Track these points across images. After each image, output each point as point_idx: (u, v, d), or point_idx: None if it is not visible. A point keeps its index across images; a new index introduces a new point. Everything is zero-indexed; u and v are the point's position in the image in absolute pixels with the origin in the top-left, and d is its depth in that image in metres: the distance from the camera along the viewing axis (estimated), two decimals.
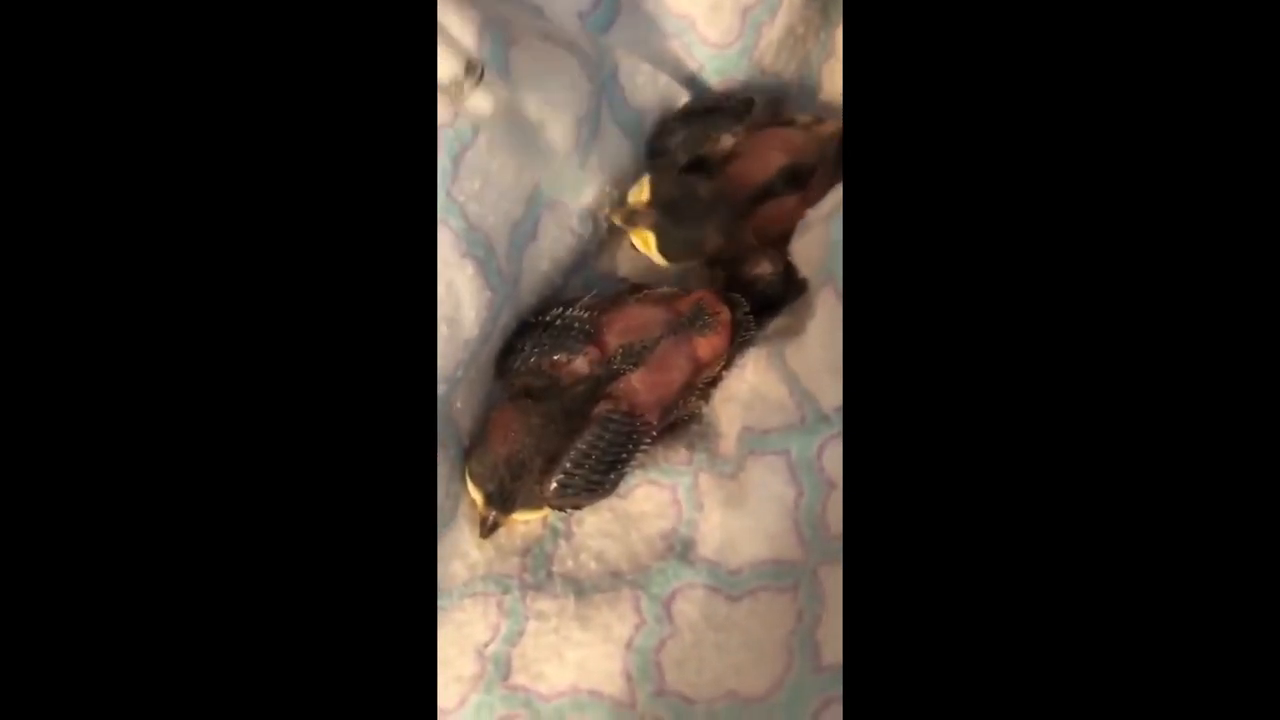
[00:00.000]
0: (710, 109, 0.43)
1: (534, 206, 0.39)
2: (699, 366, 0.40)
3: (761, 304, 0.42)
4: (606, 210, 0.41)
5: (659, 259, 0.41)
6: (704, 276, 0.43)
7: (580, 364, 0.39)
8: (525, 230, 0.39)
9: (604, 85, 0.41)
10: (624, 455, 0.39)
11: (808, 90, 0.46)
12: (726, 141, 0.42)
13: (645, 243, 0.41)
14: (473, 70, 0.35)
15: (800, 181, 0.42)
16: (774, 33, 0.43)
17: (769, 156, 0.42)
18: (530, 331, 0.40)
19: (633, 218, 0.41)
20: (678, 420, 0.41)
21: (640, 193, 0.41)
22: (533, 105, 0.38)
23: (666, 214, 0.40)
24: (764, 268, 0.42)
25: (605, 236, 0.43)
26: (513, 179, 0.38)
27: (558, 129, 0.39)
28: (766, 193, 0.42)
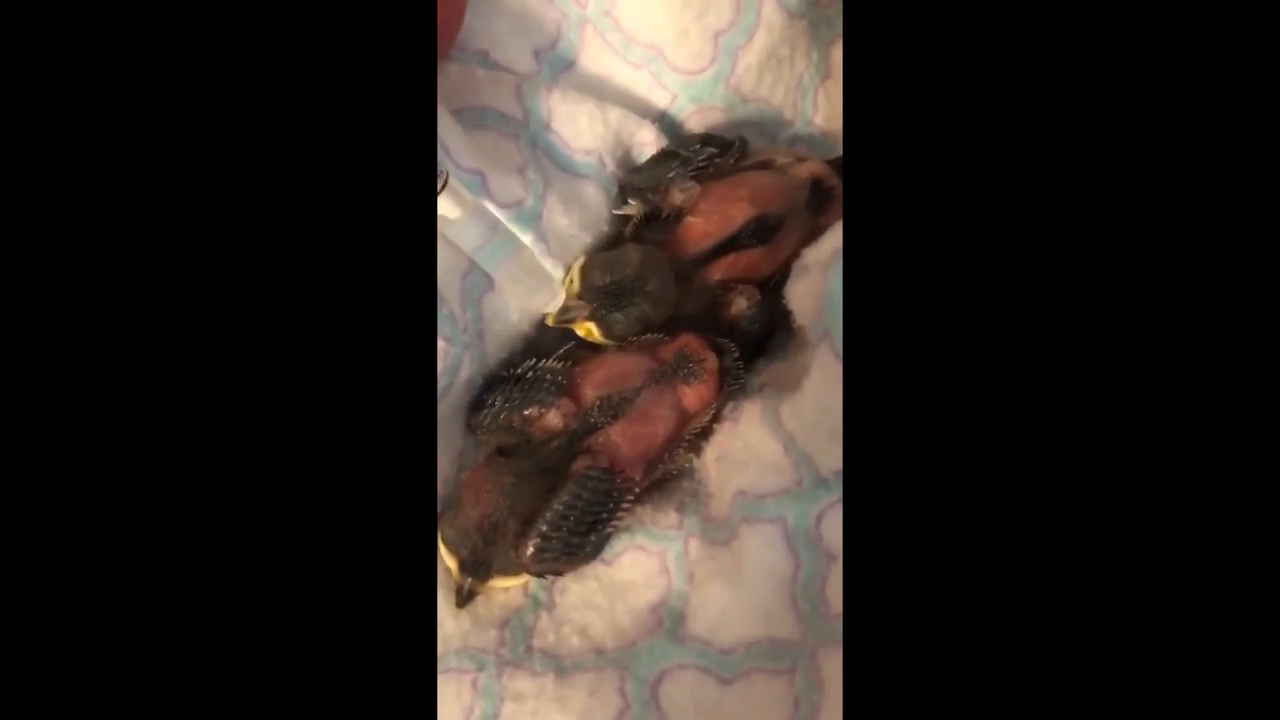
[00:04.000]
0: (669, 155, 0.40)
1: (486, 255, 0.36)
2: (685, 417, 0.37)
3: (747, 342, 0.38)
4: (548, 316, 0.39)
5: (613, 344, 0.38)
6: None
7: (553, 418, 0.36)
8: (476, 279, 0.36)
9: (534, 141, 0.38)
10: (604, 515, 0.35)
11: (803, 115, 0.42)
12: (676, 198, 0.39)
13: (590, 333, 0.38)
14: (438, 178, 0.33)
15: (765, 235, 0.39)
16: (752, 56, 0.40)
17: (733, 209, 0.39)
18: (500, 386, 0.36)
19: (566, 315, 0.38)
20: (666, 475, 0.37)
21: (571, 286, 0.38)
22: (466, 161, 0.35)
23: (600, 301, 0.37)
24: (739, 305, 0.38)
25: None
26: (454, 231, 0.35)
27: (500, 182, 0.36)
28: (728, 247, 0.39)
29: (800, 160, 0.41)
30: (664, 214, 0.39)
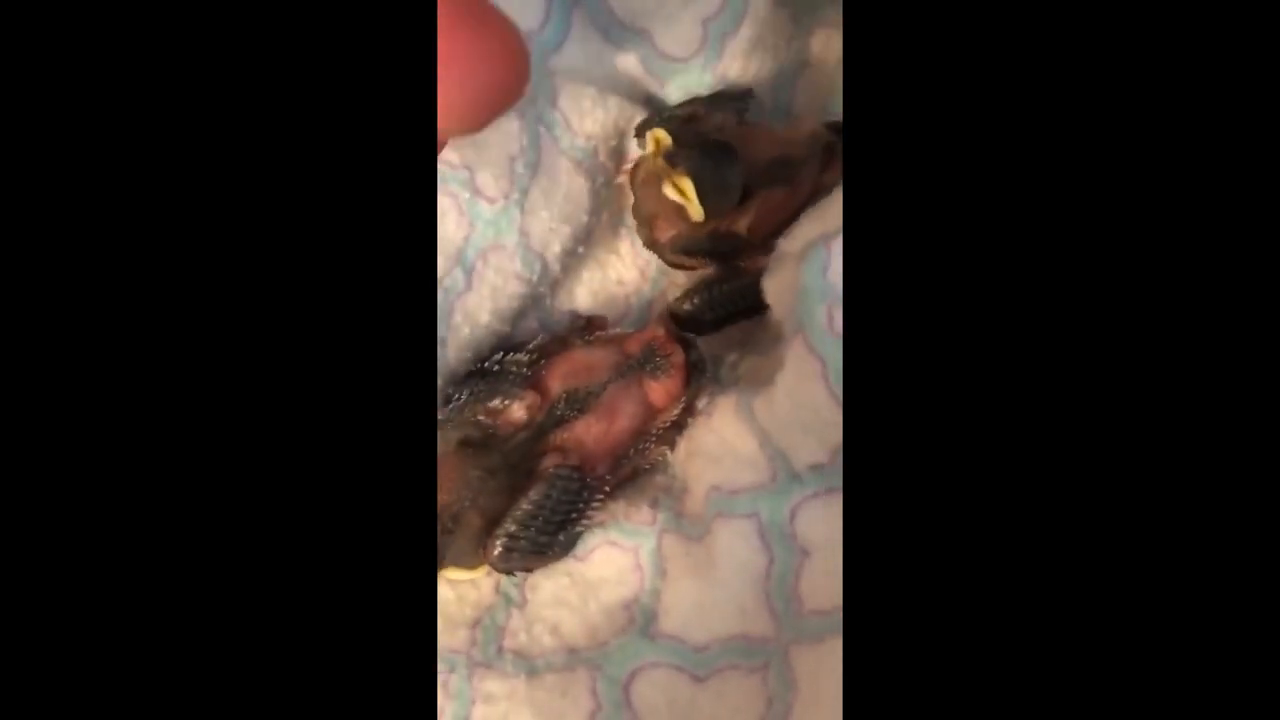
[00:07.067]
0: (694, 114, 0.39)
1: (463, 260, 0.35)
2: (652, 412, 0.36)
3: (750, 305, 0.38)
4: (637, 157, 0.37)
5: (696, 210, 0.36)
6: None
7: (518, 410, 0.35)
8: (452, 282, 0.36)
9: (539, 118, 0.37)
10: (574, 514, 0.35)
11: (780, 105, 0.41)
12: (718, 119, 0.38)
13: (684, 191, 0.36)
14: None
15: (789, 174, 0.38)
16: (740, 44, 0.39)
17: (758, 148, 0.38)
18: (466, 380, 0.36)
19: (674, 158, 0.35)
20: (638, 470, 0.37)
21: (658, 142, 0.36)
22: (455, 156, 0.35)
23: (701, 158, 0.36)
24: (761, 263, 0.37)
25: (559, 274, 0.39)
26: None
27: (483, 173, 0.35)
28: (766, 177, 0.37)
29: (797, 120, 0.40)
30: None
